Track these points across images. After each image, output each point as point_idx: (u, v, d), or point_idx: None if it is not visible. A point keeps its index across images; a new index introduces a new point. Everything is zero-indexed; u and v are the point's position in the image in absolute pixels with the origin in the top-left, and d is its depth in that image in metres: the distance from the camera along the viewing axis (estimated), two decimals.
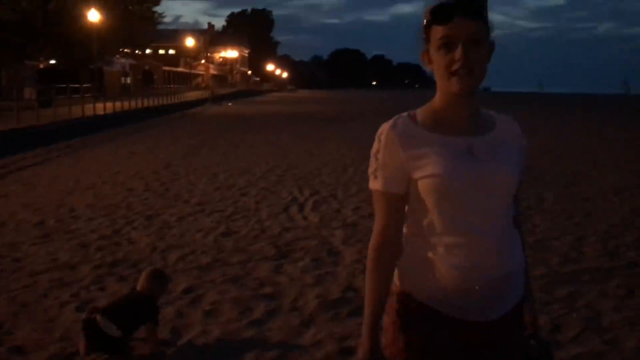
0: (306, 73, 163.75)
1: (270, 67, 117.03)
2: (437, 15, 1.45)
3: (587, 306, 4.03)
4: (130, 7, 37.30)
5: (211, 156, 12.22)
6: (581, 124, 24.72)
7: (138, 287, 3.38)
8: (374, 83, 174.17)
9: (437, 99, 1.53)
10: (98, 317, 3.10)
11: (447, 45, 1.44)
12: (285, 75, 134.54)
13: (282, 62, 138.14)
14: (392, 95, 75.27)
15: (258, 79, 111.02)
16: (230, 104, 44.22)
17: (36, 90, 25.35)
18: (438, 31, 1.45)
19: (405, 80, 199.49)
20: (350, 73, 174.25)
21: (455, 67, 1.43)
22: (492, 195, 1.49)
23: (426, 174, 1.47)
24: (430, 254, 1.51)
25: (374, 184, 1.53)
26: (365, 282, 1.56)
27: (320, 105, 43.57)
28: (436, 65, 1.48)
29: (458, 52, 1.42)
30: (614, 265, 4.94)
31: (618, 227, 6.30)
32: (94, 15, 29.39)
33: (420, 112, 1.55)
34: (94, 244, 5.51)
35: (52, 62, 36.97)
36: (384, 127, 1.53)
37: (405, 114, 1.55)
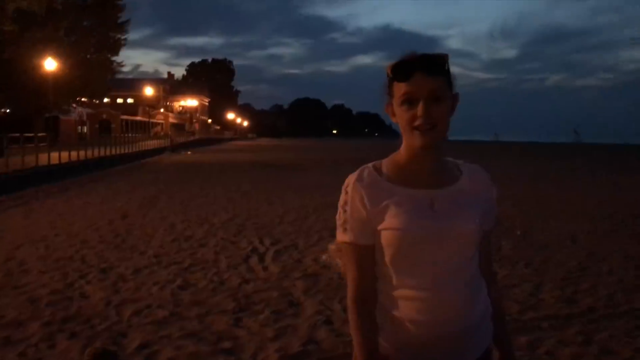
0: (267, 122, 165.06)
1: (230, 115, 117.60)
2: (398, 73, 1.49)
3: (547, 353, 4.07)
4: (88, 56, 37.22)
5: (169, 206, 12.07)
6: (536, 172, 25.44)
7: None
8: (334, 132, 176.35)
9: (402, 152, 1.56)
10: None
11: (409, 101, 1.47)
12: (246, 123, 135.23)
13: (243, 110, 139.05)
14: (351, 144, 76.27)
15: (218, 127, 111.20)
16: (189, 152, 44.03)
17: None
18: (400, 87, 1.48)
19: (364, 129, 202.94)
20: (310, 122, 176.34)
21: (417, 123, 1.46)
22: (452, 249, 1.50)
23: (387, 227, 1.49)
24: (391, 307, 1.52)
25: (344, 237, 1.55)
26: (353, 337, 1.54)
27: (280, 153, 43.79)
28: (399, 120, 1.51)
29: (419, 109, 1.45)
30: (572, 312, 5.03)
31: (575, 274, 6.43)
32: (50, 64, 29.17)
33: (385, 164, 1.57)
34: (44, 299, 5.32)
35: (5, 110, 36.34)
36: (350, 179, 1.55)
37: (370, 164, 1.58)
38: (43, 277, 6.12)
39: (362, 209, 1.51)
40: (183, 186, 16.60)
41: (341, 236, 1.56)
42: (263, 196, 13.92)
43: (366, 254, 1.54)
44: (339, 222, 1.56)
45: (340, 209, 1.56)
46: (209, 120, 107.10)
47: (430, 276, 1.49)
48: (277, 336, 4.39)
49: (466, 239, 1.51)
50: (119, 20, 38.63)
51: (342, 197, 1.56)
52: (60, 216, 10.64)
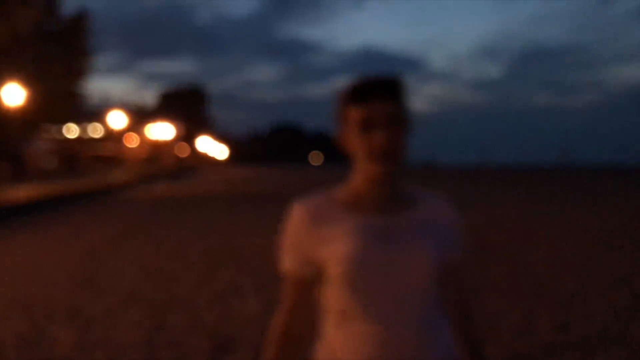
0: (244, 149, 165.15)
1: (206, 143, 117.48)
2: (354, 97, 1.45)
3: None
4: (55, 85, 37.08)
5: (141, 241, 11.95)
6: (525, 196, 25.70)
7: None
8: (314, 163, 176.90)
9: (357, 179, 1.51)
10: None
11: (366, 127, 1.43)
12: (223, 151, 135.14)
13: (219, 138, 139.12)
14: (332, 171, 76.50)
15: (193, 156, 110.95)
16: (163, 184, 43.81)
17: None
18: (356, 112, 1.44)
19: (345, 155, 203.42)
20: (289, 148, 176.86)
21: (376, 150, 1.42)
22: (406, 280, 1.44)
23: (334, 255, 1.44)
24: (337, 343, 1.47)
25: (283, 265, 1.53)
26: None
27: (258, 182, 43.76)
28: (355, 147, 1.46)
29: (379, 135, 1.42)
30: (566, 340, 5.05)
31: (568, 300, 6.48)
32: (14, 94, 29.00)
33: (337, 192, 1.54)
34: (10, 344, 5.21)
35: None
36: (296, 205, 1.53)
37: (321, 192, 1.55)
38: (8, 321, 6.00)
39: (305, 237, 1.48)
40: (156, 219, 16.48)
41: (281, 264, 1.53)
42: (241, 228, 13.87)
43: (301, 286, 1.51)
44: (279, 249, 1.54)
45: (282, 236, 1.54)
46: (184, 149, 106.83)
47: (381, 309, 1.43)
48: None
49: (422, 271, 1.45)
50: (86, 48, 38.63)
51: (285, 224, 1.54)
52: (25, 254, 10.47)
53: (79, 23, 37.85)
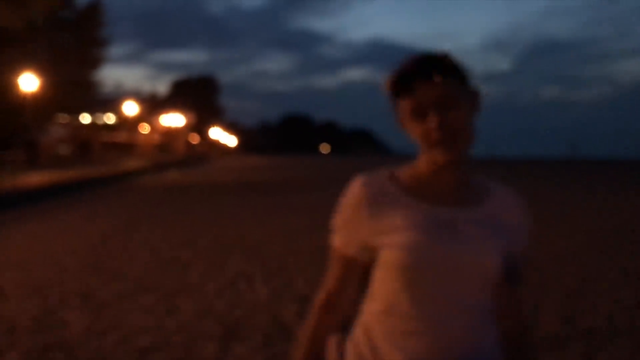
0: (254, 139, 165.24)
1: (217, 133, 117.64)
2: (397, 88, 1.33)
3: None
4: (68, 74, 37.20)
5: (153, 228, 12.01)
6: (531, 188, 25.58)
7: None
8: (324, 152, 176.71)
9: (421, 163, 1.38)
10: None
11: (418, 114, 1.31)
12: (233, 141, 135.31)
13: (230, 127, 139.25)
14: (342, 162, 76.43)
15: (204, 145, 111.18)
16: (174, 171, 43.93)
17: None
18: (405, 103, 1.33)
19: (355, 146, 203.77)
20: (299, 139, 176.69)
21: (432, 137, 1.29)
22: (466, 281, 1.31)
23: (392, 244, 1.31)
24: (379, 333, 1.36)
25: (333, 240, 1.43)
26: (299, 345, 1.48)
27: (268, 172, 43.79)
28: (414, 136, 1.34)
29: (431, 121, 1.28)
30: (571, 333, 5.04)
31: (573, 293, 6.46)
32: (29, 82, 29.12)
33: (402, 173, 1.40)
34: (23, 326, 5.26)
35: None
36: (358, 181, 1.38)
37: (386, 170, 1.41)
38: (22, 304, 6.06)
39: (361, 218, 1.35)
40: (167, 207, 16.54)
41: (331, 238, 1.43)
42: (250, 217, 13.90)
43: (350, 267, 1.41)
44: (333, 222, 1.42)
45: (338, 209, 1.41)
46: (195, 138, 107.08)
47: (433, 308, 1.31)
48: None
49: (485, 273, 1.31)
50: (100, 37, 38.71)
51: (344, 198, 1.40)
52: (39, 240, 10.55)
53: (93, 12, 37.91)
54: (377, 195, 1.35)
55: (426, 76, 1.28)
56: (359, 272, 1.41)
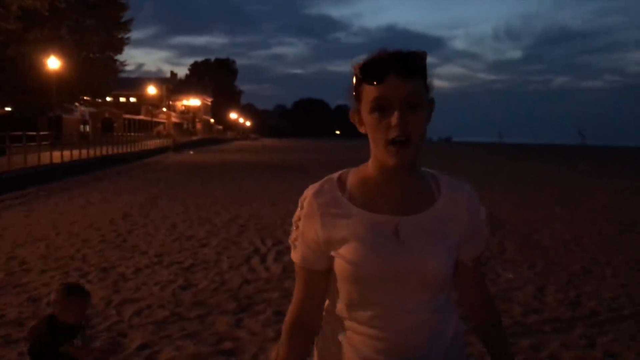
0: (270, 122, 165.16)
1: (233, 115, 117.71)
2: (368, 74, 1.26)
3: (550, 357, 4.06)
4: (92, 55, 37.26)
5: (170, 206, 12.07)
6: (539, 174, 25.38)
7: (56, 312, 2.85)
8: (338, 132, 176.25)
9: (370, 166, 1.34)
10: None
11: (381, 108, 1.24)
12: (248, 123, 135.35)
13: (246, 110, 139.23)
14: (355, 145, 76.32)
15: (221, 127, 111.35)
16: (192, 152, 44.08)
17: None
18: (370, 91, 1.25)
19: None
20: (313, 122, 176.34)
21: (391, 135, 1.23)
22: (416, 287, 1.31)
23: (341, 256, 1.31)
24: (342, 340, 1.38)
25: (293, 255, 1.40)
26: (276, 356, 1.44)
27: (283, 154, 43.81)
28: (369, 129, 1.29)
29: (394, 118, 1.22)
30: (576, 315, 5.01)
31: (579, 276, 6.42)
32: (53, 63, 29.23)
33: (350, 178, 1.37)
34: (45, 298, 5.32)
35: (8, 109, 36.44)
36: (308, 193, 1.38)
37: (335, 176, 1.39)
38: (44, 277, 6.13)
39: (315, 230, 1.34)
40: (185, 186, 16.62)
41: (292, 253, 1.41)
42: (265, 197, 13.93)
43: (314, 278, 1.38)
44: (291, 238, 1.41)
45: (294, 224, 1.39)
46: (212, 120, 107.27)
47: (388, 315, 1.32)
48: (278, 337, 4.37)
49: (432, 277, 1.30)
50: (122, 20, 38.68)
51: (297, 212, 1.39)
52: (61, 215, 10.65)
53: None
54: (327, 206, 1.34)
55: (401, 72, 1.23)
56: (323, 281, 1.40)
